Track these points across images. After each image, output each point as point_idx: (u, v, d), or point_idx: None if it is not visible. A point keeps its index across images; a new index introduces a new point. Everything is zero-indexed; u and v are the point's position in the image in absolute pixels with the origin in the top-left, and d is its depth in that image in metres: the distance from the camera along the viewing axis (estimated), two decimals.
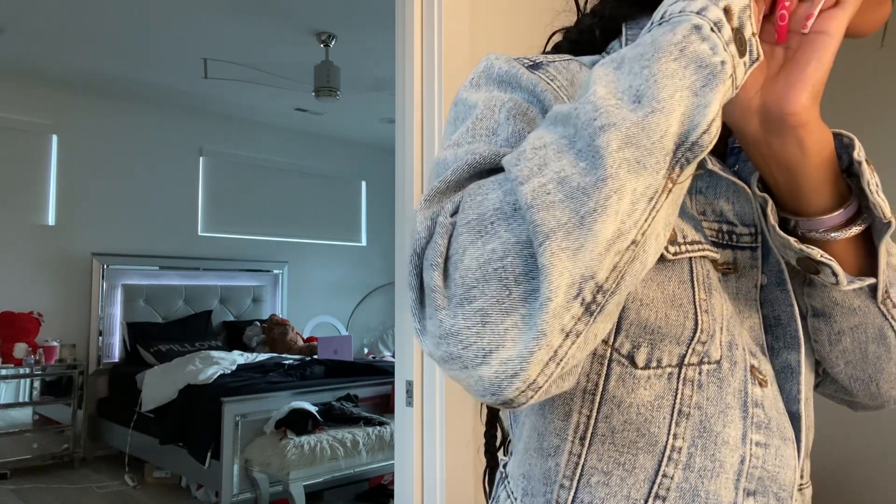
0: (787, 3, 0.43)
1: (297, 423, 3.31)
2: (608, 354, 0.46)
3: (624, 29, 0.58)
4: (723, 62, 0.36)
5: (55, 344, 4.32)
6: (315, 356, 4.68)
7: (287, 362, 4.28)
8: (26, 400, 4.24)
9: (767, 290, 0.54)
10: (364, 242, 6.45)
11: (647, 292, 0.46)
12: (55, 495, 3.79)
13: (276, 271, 5.81)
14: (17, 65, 4.38)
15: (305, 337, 5.48)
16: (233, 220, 5.60)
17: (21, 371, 4.15)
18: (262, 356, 4.59)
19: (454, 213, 0.39)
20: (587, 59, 0.57)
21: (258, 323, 5.35)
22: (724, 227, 0.52)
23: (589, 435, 0.47)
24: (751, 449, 0.48)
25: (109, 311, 4.79)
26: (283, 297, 5.83)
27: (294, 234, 5.97)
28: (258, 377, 3.85)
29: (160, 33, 3.88)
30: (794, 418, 0.52)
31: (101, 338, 4.71)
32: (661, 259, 0.46)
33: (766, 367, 0.51)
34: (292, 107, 5.32)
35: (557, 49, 0.65)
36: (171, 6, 3.52)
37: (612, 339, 0.46)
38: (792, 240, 0.47)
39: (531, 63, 0.51)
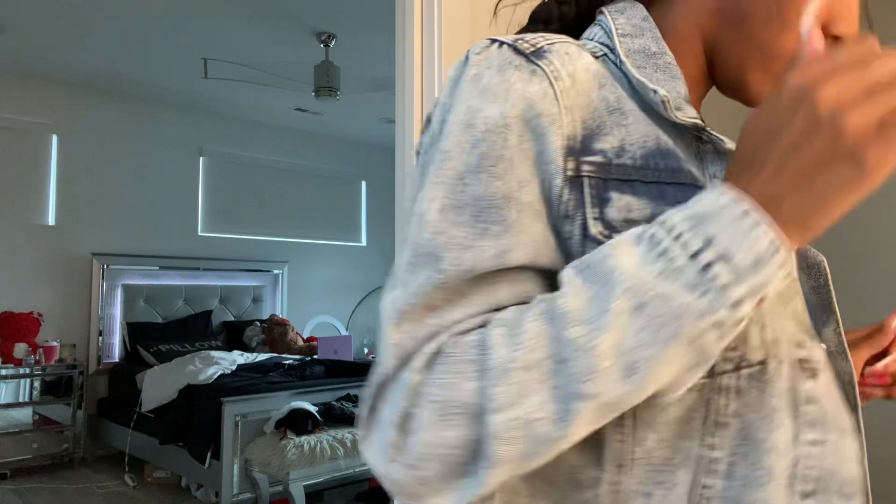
0: None
1: (297, 423, 3.30)
2: None
3: (609, 17, 0.54)
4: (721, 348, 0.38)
5: (55, 344, 4.32)
6: (315, 356, 4.68)
7: (287, 362, 4.28)
8: (26, 400, 4.24)
9: (806, 261, 0.54)
10: (364, 242, 6.45)
11: None
12: (55, 495, 3.79)
13: (276, 271, 5.81)
14: (17, 65, 4.38)
15: (305, 337, 5.48)
16: (233, 220, 5.60)
17: (21, 371, 4.15)
18: (262, 356, 4.59)
19: (424, 365, 0.40)
20: (587, 46, 0.53)
21: (258, 323, 5.34)
22: None
23: (626, 461, 0.44)
24: (804, 449, 0.44)
25: (109, 311, 4.79)
26: (283, 297, 5.83)
27: (294, 234, 5.97)
28: (258, 377, 3.85)
29: (160, 33, 3.88)
30: (849, 397, 0.50)
31: (101, 338, 4.71)
32: None
33: (817, 353, 0.47)
34: (292, 107, 5.32)
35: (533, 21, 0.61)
36: (171, 6, 3.52)
37: None
38: None
39: (533, 50, 0.46)
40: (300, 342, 5.23)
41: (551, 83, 0.45)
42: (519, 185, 0.43)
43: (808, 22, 0.39)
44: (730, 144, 0.52)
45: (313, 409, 3.40)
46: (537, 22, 0.60)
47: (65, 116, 4.74)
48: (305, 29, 3.82)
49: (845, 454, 0.46)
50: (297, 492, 3.18)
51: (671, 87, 0.50)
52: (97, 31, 3.84)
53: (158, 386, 3.95)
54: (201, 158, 5.46)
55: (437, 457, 0.39)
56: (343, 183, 6.36)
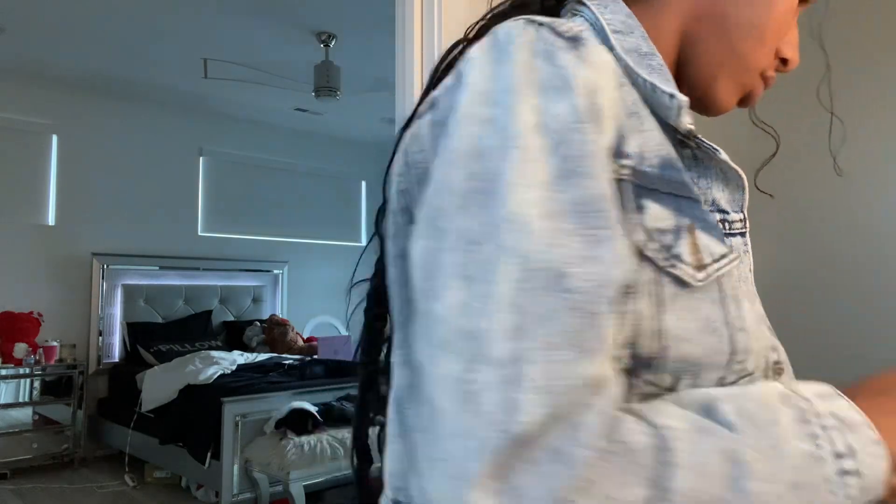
0: None
1: (297, 423, 3.30)
2: (654, 392, 0.43)
3: (594, 11, 0.51)
4: None
5: (55, 344, 4.32)
6: (315, 356, 4.68)
7: (287, 362, 4.28)
8: (26, 400, 4.24)
9: None
10: (364, 242, 6.45)
11: (684, 325, 0.42)
12: (55, 495, 3.79)
13: (276, 271, 5.81)
14: (17, 65, 4.38)
15: (305, 337, 5.48)
16: (233, 220, 5.60)
17: (21, 371, 4.15)
18: (262, 356, 4.59)
19: (604, 435, 0.34)
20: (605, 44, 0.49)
21: (258, 323, 5.34)
22: (719, 217, 0.52)
23: None
24: None
25: (109, 311, 4.79)
26: (283, 297, 5.83)
27: (294, 234, 5.97)
28: (258, 377, 3.85)
29: (160, 33, 3.88)
30: None
31: (101, 338, 4.71)
32: (690, 287, 0.43)
33: (783, 354, 0.52)
34: (292, 107, 5.32)
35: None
36: (172, 6, 3.52)
37: (656, 377, 0.42)
38: None
39: (572, 35, 0.43)
40: (300, 342, 5.23)
41: (597, 72, 0.42)
42: (608, 183, 0.39)
43: None
44: (723, 155, 0.52)
45: (313, 409, 3.40)
46: (517, 7, 0.57)
47: (65, 116, 4.74)
48: (305, 29, 3.82)
49: None
50: (297, 492, 3.18)
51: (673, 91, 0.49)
52: (97, 31, 3.84)
53: (158, 386, 3.95)
54: (201, 158, 5.45)
55: None
56: (343, 183, 6.36)
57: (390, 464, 0.48)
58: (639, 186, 0.42)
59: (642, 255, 0.41)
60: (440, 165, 0.41)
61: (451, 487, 0.33)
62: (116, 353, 4.80)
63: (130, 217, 4.98)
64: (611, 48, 0.48)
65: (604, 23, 0.50)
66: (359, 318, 0.59)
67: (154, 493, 3.87)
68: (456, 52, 0.55)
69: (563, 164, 0.38)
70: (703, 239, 0.44)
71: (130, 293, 4.91)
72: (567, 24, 0.43)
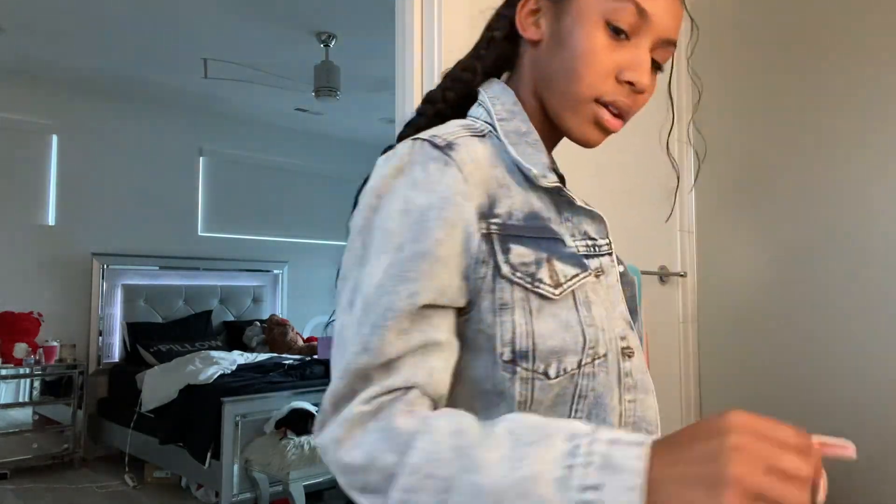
0: None
1: (297, 423, 3.30)
2: (530, 376, 0.60)
3: (489, 103, 0.71)
4: None
5: (55, 344, 4.32)
6: (315, 356, 4.68)
7: (287, 362, 4.28)
8: (26, 400, 4.24)
9: (624, 277, 0.75)
10: None
11: (549, 327, 0.60)
12: (55, 495, 3.79)
13: (276, 271, 5.81)
14: (17, 65, 4.38)
15: (305, 337, 5.48)
16: (233, 220, 5.60)
17: (21, 371, 4.15)
18: (262, 356, 4.59)
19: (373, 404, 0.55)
20: (475, 125, 0.69)
21: (258, 323, 5.34)
22: (590, 242, 0.71)
23: None
24: (627, 406, 0.66)
25: (109, 311, 4.79)
26: (283, 297, 5.83)
27: (294, 234, 5.97)
28: (258, 377, 3.85)
29: (160, 33, 3.88)
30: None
31: (101, 338, 4.71)
32: (551, 300, 0.61)
33: (634, 341, 0.70)
34: (292, 107, 5.32)
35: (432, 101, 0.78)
36: (172, 6, 3.52)
37: (532, 365, 0.60)
38: None
39: (445, 144, 0.63)
40: (300, 342, 5.23)
41: (460, 169, 0.61)
42: (437, 244, 0.58)
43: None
44: (579, 202, 0.70)
45: (313, 409, 3.40)
46: (427, 102, 0.77)
47: (65, 116, 4.74)
48: (305, 29, 3.82)
49: (649, 406, 0.69)
50: (297, 492, 3.18)
51: (538, 159, 0.67)
52: (97, 31, 3.84)
53: (158, 386, 3.95)
54: (201, 158, 5.46)
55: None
56: (343, 183, 6.35)
57: None
58: (506, 236, 0.62)
59: (512, 282, 0.60)
60: (350, 232, 0.64)
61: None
62: (116, 353, 4.80)
63: (130, 217, 4.98)
64: (494, 129, 0.69)
65: (493, 114, 0.71)
66: None
67: (154, 493, 3.87)
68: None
69: (412, 235, 0.58)
70: (559, 266, 0.63)
71: (130, 293, 4.91)
72: (444, 134, 0.64)
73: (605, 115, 0.68)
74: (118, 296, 4.85)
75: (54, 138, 4.70)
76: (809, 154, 1.93)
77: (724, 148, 2.10)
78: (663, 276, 2.09)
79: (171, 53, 4.18)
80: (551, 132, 0.74)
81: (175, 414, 3.69)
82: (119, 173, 4.96)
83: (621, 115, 0.69)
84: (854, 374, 1.80)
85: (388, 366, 0.55)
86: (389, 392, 0.55)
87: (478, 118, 0.72)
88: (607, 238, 0.74)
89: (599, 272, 0.69)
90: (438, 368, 0.58)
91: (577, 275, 0.64)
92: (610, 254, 0.73)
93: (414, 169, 0.61)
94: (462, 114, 0.75)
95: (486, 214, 0.61)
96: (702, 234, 2.19)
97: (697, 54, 2.12)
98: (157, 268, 5.07)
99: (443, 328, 0.59)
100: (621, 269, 0.75)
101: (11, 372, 4.12)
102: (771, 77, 2.02)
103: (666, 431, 0.54)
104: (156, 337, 4.74)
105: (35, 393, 4.26)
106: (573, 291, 0.63)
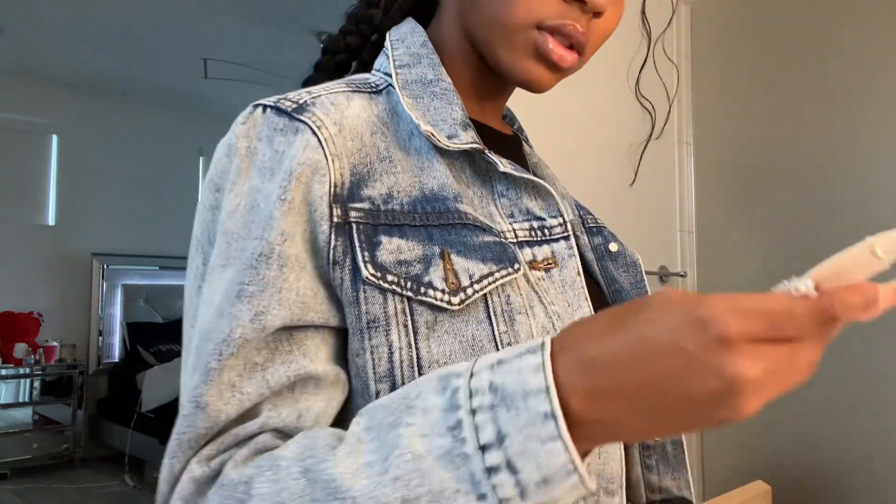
0: None
1: None
2: None
3: (390, 48, 0.56)
4: None
5: (55, 344, 4.32)
6: None
7: None
8: (26, 400, 4.24)
9: (603, 264, 0.59)
10: None
11: (445, 349, 0.43)
12: (55, 495, 3.79)
13: None
14: (17, 65, 4.38)
15: None
16: None
17: (21, 371, 4.15)
18: None
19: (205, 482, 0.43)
20: (371, 79, 0.54)
21: None
22: (535, 224, 0.53)
23: None
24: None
25: (109, 311, 4.79)
26: None
27: None
28: None
29: (160, 33, 3.88)
30: None
31: (101, 338, 4.71)
32: (449, 312, 0.44)
33: None
34: None
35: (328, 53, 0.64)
36: (172, 6, 3.52)
37: None
38: None
39: (295, 106, 0.47)
40: None
41: (314, 132, 0.45)
42: (283, 240, 0.42)
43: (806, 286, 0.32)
44: (504, 168, 0.52)
45: None
46: (326, 53, 0.63)
47: (65, 116, 4.74)
48: (305, 29, 3.82)
49: (612, 454, 0.52)
50: None
51: (447, 113, 0.51)
52: (97, 31, 3.84)
53: (158, 386, 3.95)
54: (201, 158, 5.45)
55: None
56: None
57: None
58: (376, 226, 0.44)
59: (381, 289, 0.43)
60: (190, 247, 0.48)
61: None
62: (116, 353, 4.80)
63: (130, 217, 4.98)
64: (391, 86, 0.53)
65: (391, 60, 0.54)
66: None
67: (154, 493, 3.87)
68: None
69: (249, 238, 0.43)
70: (461, 263, 0.45)
71: (130, 293, 4.91)
72: (296, 97, 0.48)
73: (551, 44, 0.50)
74: (118, 296, 4.85)
75: (54, 138, 4.70)
76: (810, 154, 1.93)
77: (724, 148, 2.10)
78: (663, 276, 2.09)
79: (171, 53, 4.18)
80: (488, 79, 0.58)
81: (175, 414, 3.67)
82: (119, 173, 4.96)
83: (575, 46, 0.51)
84: (854, 374, 1.80)
85: (239, 419, 0.42)
86: (237, 444, 0.42)
87: (378, 70, 0.56)
88: (560, 216, 0.54)
89: (550, 264, 0.52)
90: (315, 410, 0.43)
91: (489, 273, 0.45)
92: (566, 237, 0.54)
93: (258, 148, 0.46)
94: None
95: (342, 197, 0.44)
96: (702, 234, 2.19)
97: (695, 52, 2.12)
98: (157, 268, 5.07)
99: (320, 356, 0.43)
100: (614, 247, 0.60)
101: (11, 372, 4.12)
102: (772, 75, 2.03)
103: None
104: (156, 337, 4.74)
105: (35, 393, 4.26)
106: (485, 297, 0.45)
